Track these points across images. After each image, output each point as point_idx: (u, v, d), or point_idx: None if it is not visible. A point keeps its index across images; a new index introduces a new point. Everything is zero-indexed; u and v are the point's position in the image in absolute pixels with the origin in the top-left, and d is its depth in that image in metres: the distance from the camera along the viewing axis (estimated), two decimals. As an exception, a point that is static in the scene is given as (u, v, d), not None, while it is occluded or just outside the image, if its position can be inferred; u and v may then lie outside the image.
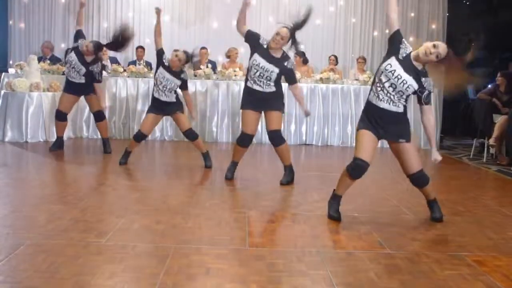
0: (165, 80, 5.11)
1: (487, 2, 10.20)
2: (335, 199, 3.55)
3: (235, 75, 7.66)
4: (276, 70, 4.34)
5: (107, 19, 9.46)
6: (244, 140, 4.60)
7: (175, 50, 5.20)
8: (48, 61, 8.02)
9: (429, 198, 3.60)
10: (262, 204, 3.93)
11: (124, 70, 7.86)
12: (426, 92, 3.32)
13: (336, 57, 8.88)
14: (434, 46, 3.22)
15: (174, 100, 5.23)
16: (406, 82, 3.27)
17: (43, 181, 4.54)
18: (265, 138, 6.16)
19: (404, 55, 3.31)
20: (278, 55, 4.38)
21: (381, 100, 3.33)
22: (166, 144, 7.35)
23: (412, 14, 9.63)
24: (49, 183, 4.46)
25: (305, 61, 8.52)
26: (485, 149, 6.83)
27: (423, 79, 3.30)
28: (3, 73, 7.66)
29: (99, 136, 6.41)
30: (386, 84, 3.30)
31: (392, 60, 3.30)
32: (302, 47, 4.37)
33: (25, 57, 8.47)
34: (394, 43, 3.35)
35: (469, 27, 10.31)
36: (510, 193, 4.88)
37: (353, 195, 4.21)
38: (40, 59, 7.93)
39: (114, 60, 8.67)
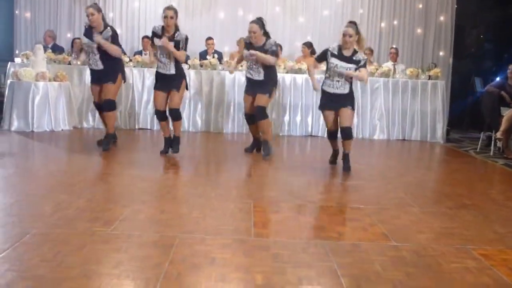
0: (160, 54, 5.12)
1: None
2: (333, 152, 5.17)
3: (241, 66, 7.62)
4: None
5: (113, 9, 9.43)
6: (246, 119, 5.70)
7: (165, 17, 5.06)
8: (50, 50, 8.01)
9: (346, 151, 4.86)
10: (267, 195, 3.92)
11: (130, 60, 7.85)
12: (362, 63, 4.70)
13: (343, 48, 8.81)
14: (344, 34, 4.65)
15: (173, 72, 5.15)
16: (348, 69, 4.68)
17: (49, 171, 4.55)
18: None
19: (335, 52, 4.73)
20: (260, 45, 5.27)
21: (332, 87, 4.77)
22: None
23: (420, 6, 9.52)
24: (55, 173, 4.47)
25: (313, 52, 8.45)
26: (492, 142, 6.78)
27: (354, 58, 4.70)
28: (9, 63, 7.67)
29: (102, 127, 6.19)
30: (335, 76, 4.73)
31: (331, 59, 4.73)
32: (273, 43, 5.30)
33: (31, 46, 8.46)
34: (322, 55, 4.90)
35: (478, 20, 10.21)
36: (517, 187, 4.85)
37: (359, 186, 4.20)
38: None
39: (120, 50, 8.65)
